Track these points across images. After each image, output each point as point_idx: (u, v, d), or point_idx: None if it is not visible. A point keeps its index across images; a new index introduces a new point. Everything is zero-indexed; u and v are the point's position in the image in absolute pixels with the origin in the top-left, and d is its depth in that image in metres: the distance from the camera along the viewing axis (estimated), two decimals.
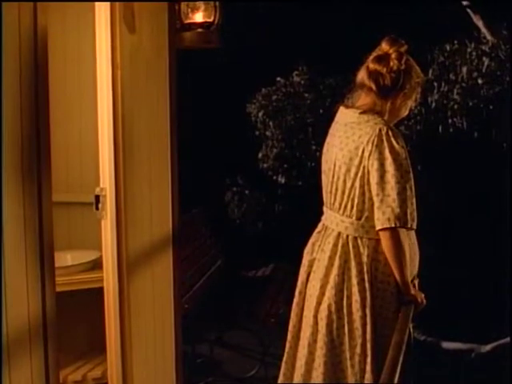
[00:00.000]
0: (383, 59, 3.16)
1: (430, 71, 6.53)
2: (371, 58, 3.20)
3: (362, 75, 3.22)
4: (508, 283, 5.09)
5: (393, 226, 3.02)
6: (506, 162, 5.62)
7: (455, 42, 6.62)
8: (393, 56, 3.14)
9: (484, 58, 6.37)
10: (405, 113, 3.29)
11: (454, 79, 6.47)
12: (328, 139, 3.36)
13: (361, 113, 3.18)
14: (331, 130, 3.35)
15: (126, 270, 3.60)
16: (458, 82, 6.42)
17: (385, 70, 3.14)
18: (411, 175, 3.08)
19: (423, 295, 3.22)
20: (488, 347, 5.59)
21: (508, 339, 5.39)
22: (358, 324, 3.16)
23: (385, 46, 3.19)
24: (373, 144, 3.07)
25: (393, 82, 3.14)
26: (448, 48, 6.62)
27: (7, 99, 2.68)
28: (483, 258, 6.20)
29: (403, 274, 3.10)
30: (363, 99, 3.22)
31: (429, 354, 5.55)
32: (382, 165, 3.05)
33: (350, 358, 3.19)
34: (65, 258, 4.27)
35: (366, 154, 3.09)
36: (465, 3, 6.72)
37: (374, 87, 3.16)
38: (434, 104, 6.49)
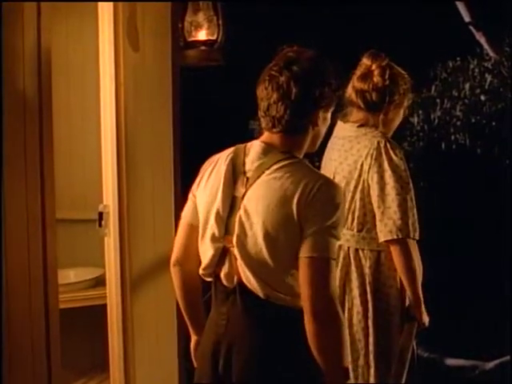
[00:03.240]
0: (367, 77, 3.17)
1: (433, 88, 6.54)
2: (355, 76, 3.22)
3: (349, 93, 3.25)
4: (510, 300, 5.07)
5: (395, 237, 3.03)
6: (508, 179, 5.62)
7: (458, 58, 6.63)
8: (375, 73, 3.16)
9: (486, 75, 6.38)
10: (398, 121, 3.30)
11: (456, 96, 6.48)
12: (326, 153, 3.37)
13: (358, 126, 3.20)
14: (329, 144, 3.36)
15: (130, 287, 3.60)
16: (461, 99, 6.43)
17: (370, 87, 3.16)
18: (411, 186, 3.08)
19: (428, 319, 3.18)
20: (491, 364, 5.57)
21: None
22: (360, 336, 3.15)
23: (367, 62, 3.20)
24: (372, 157, 3.09)
25: (380, 98, 3.16)
26: (450, 65, 6.63)
27: (11, 116, 2.70)
28: (486, 274, 6.19)
29: (415, 286, 3.08)
30: (356, 115, 3.24)
31: (432, 371, 5.52)
32: (381, 177, 3.06)
33: (353, 370, 3.18)
34: (68, 275, 4.27)
35: (366, 167, 3.10)
36: (467, 20, 6.74)
37: (362, 105, 3.19)
38: (436, 121, 6.49)
